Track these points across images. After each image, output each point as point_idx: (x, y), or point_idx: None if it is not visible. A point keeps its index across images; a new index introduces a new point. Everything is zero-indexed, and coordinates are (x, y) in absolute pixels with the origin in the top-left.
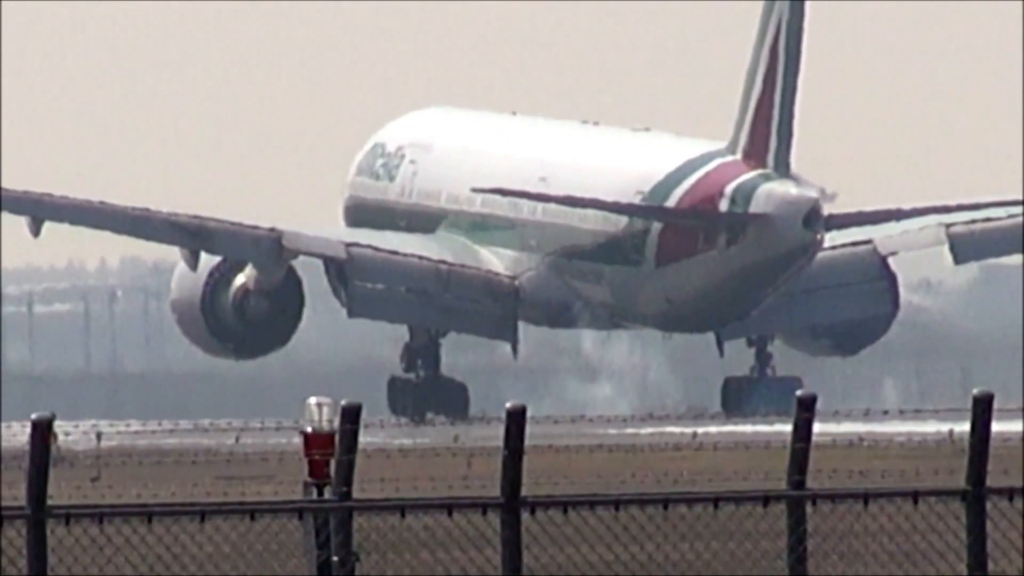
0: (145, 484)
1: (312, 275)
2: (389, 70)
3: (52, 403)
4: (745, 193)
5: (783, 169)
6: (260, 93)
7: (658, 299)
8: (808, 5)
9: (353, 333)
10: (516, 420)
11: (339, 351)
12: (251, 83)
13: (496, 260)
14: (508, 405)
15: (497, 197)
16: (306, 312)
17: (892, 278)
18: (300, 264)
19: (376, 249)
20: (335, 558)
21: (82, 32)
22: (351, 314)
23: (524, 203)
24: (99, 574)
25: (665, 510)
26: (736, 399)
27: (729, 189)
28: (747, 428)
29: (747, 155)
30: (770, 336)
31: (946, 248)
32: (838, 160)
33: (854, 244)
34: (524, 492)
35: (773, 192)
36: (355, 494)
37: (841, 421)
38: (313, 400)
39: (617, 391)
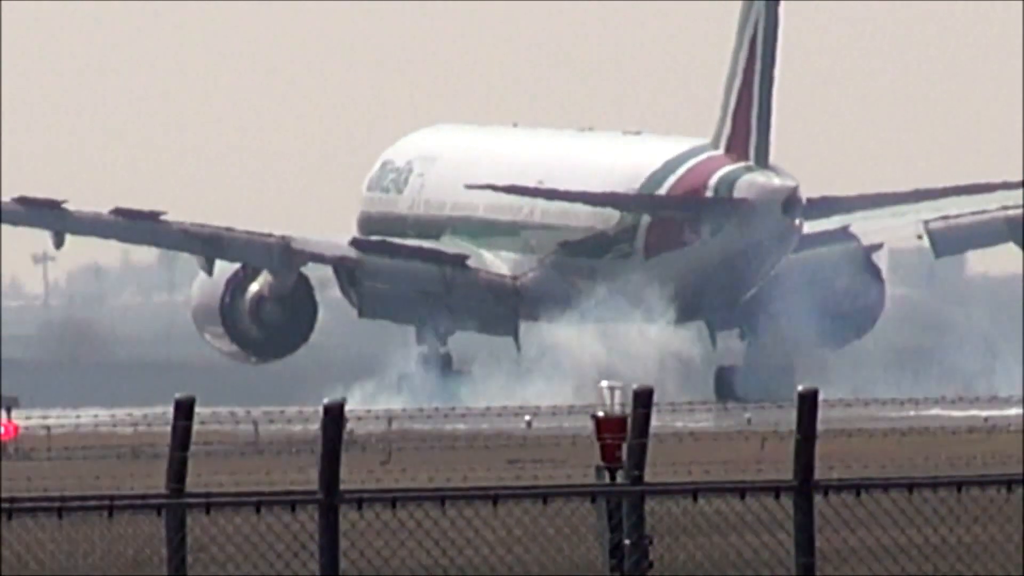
0: (436, 468)
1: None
2: (396, 90)
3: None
4: (728, 183)
5: (763, 161)
6: (274, 116)
7: (649, 290)
8: (782, 7)
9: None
10: (809, 404)
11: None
12: (266, 106)
13: (498, 262)
14: (800, 388)
15: (498, 203)
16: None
17: (876, 272)
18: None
19: (383, 251)
20: (627, 541)
21: (100, 47)
22: (362, 314)
23: (523, 207)
24: (391, 558)
25: (959, 493)
26: (729, 387)
27: (713, 180)
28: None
29: (729, 149)
30: (761, 329)
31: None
32: (816, 151)
33: (839, 238)
34: (816, 475)
35: (754, 181)
36: (647, 477)
37: None
38: (605, 384)
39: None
